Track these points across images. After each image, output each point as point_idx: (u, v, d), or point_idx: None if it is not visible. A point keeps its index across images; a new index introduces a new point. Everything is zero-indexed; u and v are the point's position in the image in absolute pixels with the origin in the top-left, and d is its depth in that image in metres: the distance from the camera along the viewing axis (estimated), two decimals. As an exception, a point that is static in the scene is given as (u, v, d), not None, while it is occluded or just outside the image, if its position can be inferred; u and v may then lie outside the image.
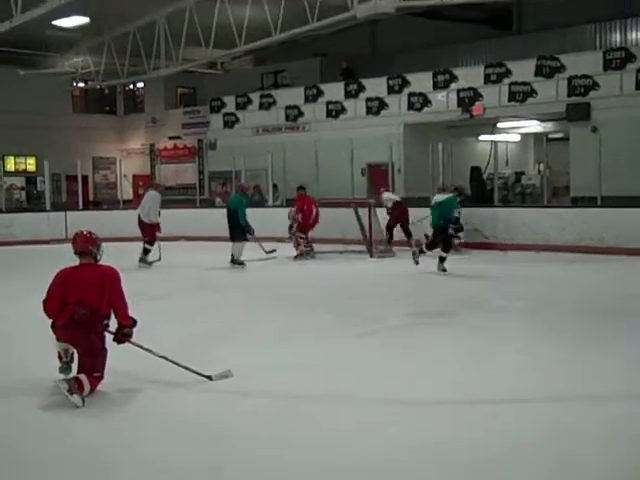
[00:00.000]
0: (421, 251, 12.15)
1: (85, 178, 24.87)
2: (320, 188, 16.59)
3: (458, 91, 19.41)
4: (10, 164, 25.49)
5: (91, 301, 5.39)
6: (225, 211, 13.64)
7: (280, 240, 15.09)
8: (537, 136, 21.21)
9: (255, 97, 23.44)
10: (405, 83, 20.35)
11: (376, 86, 20.84)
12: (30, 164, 26.50)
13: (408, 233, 15.19)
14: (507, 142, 21.49)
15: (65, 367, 5.65)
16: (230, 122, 23.95)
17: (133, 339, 5.56)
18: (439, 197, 12.29)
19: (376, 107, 20.74)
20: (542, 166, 18.90)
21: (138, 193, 20.45)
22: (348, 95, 21.39)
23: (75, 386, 5.14)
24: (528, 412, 4.97)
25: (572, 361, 6.25)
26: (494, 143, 17.79)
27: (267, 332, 7.59)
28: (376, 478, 4.02)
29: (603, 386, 5.52)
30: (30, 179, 26.26)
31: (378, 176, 18.64)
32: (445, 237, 11.91)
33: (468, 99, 19.16)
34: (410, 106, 20.11)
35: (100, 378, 5.36)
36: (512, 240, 14.71)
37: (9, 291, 10.49)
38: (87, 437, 4.67)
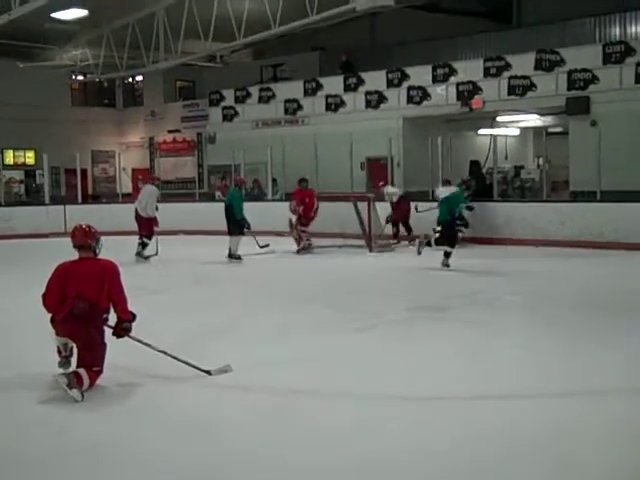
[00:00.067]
0: (428, 243, 11.97)
1: (84, 171, 24.75)
2: (319, 182, 16.57)
3: (457, 85, 19.34)
4: (9, 157, 25.34)
5: (90, 295, 5.38)
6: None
7: (279, 234, 15.09)
8: (536, 130, 21.17)
9: (254, 90, 23.36)
10: (404, 76, 20.28)
11: (375, 79, 20.77)
12: (29, 157, 26.40)
13: (408, 227, 15.21)
14: (506, 136, 21.44)
15: (64, 361, 5.65)
16: (229, 115, 23.88)
17: (132, 333, 5.55)
18: (444, 191, 12.23)
19: (375, 101, 20.68)
20: (541, 160, 18.85)
21: (137, 187, 20.42)
22: (347, 89, 21.31)
23: (74, 380, 5.15)
24: (528, 407, 4.97)
25: (572, 356, 6.25)
26: (493, 137, 17.76)
27: (266, 326, 7.59)
28: (375, 473, 4.01)
29: (603, 381, 5.51)
30: (29, 172, 26.11)
31: (377, 170, 18.62)
32: (451, 232, 11.86)
33: (467, 93, 19.11)
34: (409, 100, 20.06)
35: (99, 372, 5.37)
36: (511, 235, 14.71)
37: (8, 285, 10.48)
38: (86, 431, 4.67)
